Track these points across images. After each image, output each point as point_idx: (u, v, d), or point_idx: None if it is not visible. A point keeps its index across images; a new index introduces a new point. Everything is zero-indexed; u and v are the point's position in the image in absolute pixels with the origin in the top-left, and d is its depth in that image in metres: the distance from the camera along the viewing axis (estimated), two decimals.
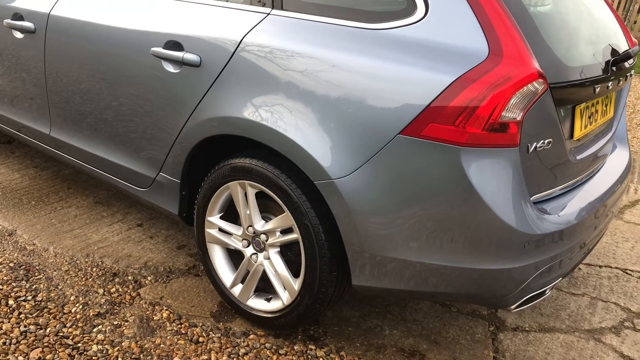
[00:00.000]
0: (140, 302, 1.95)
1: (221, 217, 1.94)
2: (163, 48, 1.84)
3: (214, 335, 1.83)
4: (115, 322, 1.84)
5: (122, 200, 2.67)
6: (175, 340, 1.79)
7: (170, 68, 1.83)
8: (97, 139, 2.21)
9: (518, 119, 1.39)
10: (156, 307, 1.93)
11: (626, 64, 1.87)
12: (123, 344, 1.75)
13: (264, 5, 1.71)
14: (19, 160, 3.01)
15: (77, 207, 2.57)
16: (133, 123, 2.02)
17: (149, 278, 2.10)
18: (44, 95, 2.36)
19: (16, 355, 1.64)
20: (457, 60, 1.39)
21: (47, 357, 1.65)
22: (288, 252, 1.82)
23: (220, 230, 1.94)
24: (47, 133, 2.44)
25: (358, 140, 1.49)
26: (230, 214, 1.93)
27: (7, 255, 2.13)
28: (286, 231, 1.76)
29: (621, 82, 1.88)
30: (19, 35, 2.34)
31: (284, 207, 1.69)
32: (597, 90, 1.67)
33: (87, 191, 2.74)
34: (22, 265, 2.08)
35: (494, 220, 1.44)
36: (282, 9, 1.68)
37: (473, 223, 1.45)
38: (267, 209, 1.83)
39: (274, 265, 1.81)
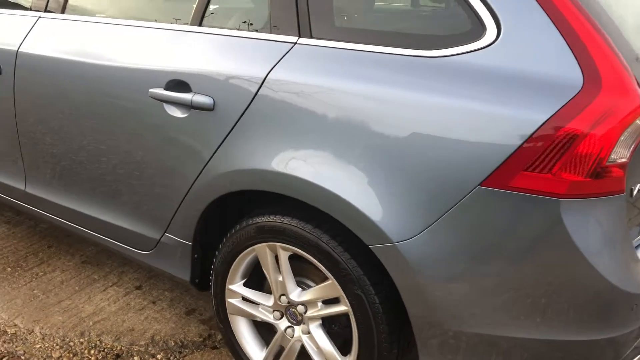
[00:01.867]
0: None
1: (245, 284, 1.67)
2: (165, 89, 1.57)
3: None
4: None
5: (113, 257, 2.37)
6: None
7: (175, 112, 1.56)
8: (85, 195, 1.92)
9: (626, 160, 1.17)
10: None
11: None
12: None
13: (288, 33, 1.45)
14: None
15: (62, 270, 2.27)
16: (131, 179, 1.74)
17: (158, 357, 1.82)
18: (15, 147, 2.06)
19: None
20: (546, 92, 1.16)
21: None
22: (332, 325, 1.56)
23: (245, 299, 1.67)
24: (21, 189, 2.13)
25: (426, 195, 1.25)
26: (255, 277, 1.67)
27: None
28: (330, 301, 1.50)
29: None
30: None
31: (328, 275, 1.43)
32: None
33: (71, 249, 2.44)
34: (3, 357, 1.77)
35: (598, 280, 1.21)
36: (310, 36, 1.42)
37: (574, 286, 1.22)
38: (302, 272, 1.58)
39: (316, 340, 1.55)
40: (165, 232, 1.77)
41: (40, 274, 2.23)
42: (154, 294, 2.15)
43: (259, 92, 1.43)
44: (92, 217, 1.93)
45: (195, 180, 1.60)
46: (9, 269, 2.25)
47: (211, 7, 1.61)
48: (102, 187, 1.84)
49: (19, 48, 1.92)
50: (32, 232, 2.57)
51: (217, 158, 1.54)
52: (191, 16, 1.63)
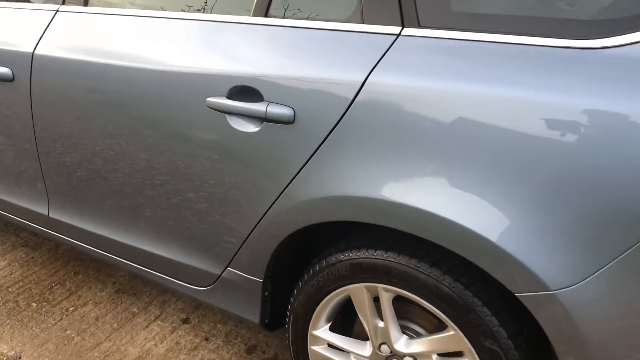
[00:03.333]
0: None
1: (330, 328, 1.42)
2: (227, 97, 1.29)
3: None
4: None
5: (149, 283, 2.12)
6: None
7: (242, 126, 1.29)
8: (124, 223, 1.65)
9: None
10: None
11: None
12: None
13: (387, 22, 1.16)
14: (0, 239, 2.42)
15: (95, 303, 2.01)
16: (184, 205, 1.47)
17: None
18: (34, 166, 1.79)
19: None
20: None
21: None
22: None
23: (332, 346, 1.42)
24: (44, 214, 1.86)
25: (598, 232, 0.98)
26: (341, 317, 1.42)
27: None
28: (450, 354, 1.24)
29: None
30: None
31: (450, 324, 1.18)
32: None
33: (101, 275, 2.18)
34: None
35: None
36: (418, 25, 1.14)
37: None
38: (405, 314, 1.32)
39: None
40: (227, 266, 1.51)
41: (71, 308, 1.98)
42: (205, 329, 1.89)
43: (357, 100, 1.15)
44: (135, 248, 1.67)
45: (269, 209, 1.33)
46: (34, 305, 1.99)
47: None
48: (148, 214, 1.57)
49: (34, 49, 1.63)
50: (54, 255, 2.31)
51: (298, 182, 1.26)
52: (254, 4, 1.33)
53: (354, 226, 1.28)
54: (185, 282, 1.65)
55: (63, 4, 1.65)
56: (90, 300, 2.04)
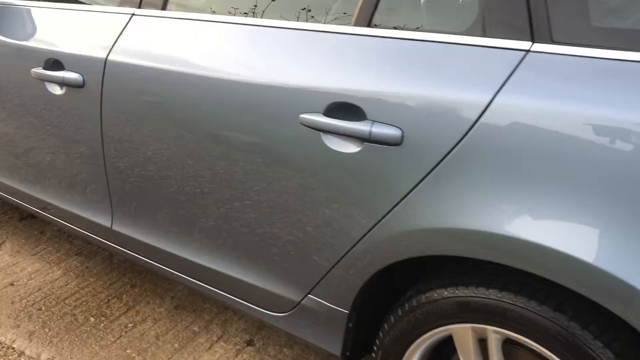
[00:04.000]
0: None
1: None
2: (324, 114, 1.19)
3: None
4: None
5: (208, 299, 2.03)
6: None
7: (339, 146, 1.19)
8: (198, 242, 1.56)
9: None
10: None
11: None
12: None
13: (515, 37, 1.04)
14: (53, 245, 2.38)
15: (154, 319, 1.93)
16: (265, 226, 1.38)
17: None
18: (99, 175, 1.71)
19: None
20: None
21: None
22: None
23: None
24: (106, 226, 1.79)
25: None
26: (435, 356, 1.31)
27: None
28: None
29: None
30: (57, 90, 1.68)
31: None
32: None
33: (158, 288, 2.11)
34: None
35: None
36: (551, 40, 1.02)
37: None
38: (512, 357, 1.20)
39: None
40: (308, 293, 1.41)
41: (130, 325, 1.90)
42: (270, 352, 1.80)
43: (480, 122, 1.04)
44: (208, 269, 1.58)
45: (363, 237, 1.23)
46: (92, 319, 1.93)
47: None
48: (225, 235, 1.48)
49: (108, 55, 1.56)
50: (109, 266, 2.25)
51: (401, 210, 1.16)
52: (356, 13, 1.23)
53: (442, 259, 1.18)
54: (258, 306, 1.56)
55: (139, 7, 1.57)
56: (149, 316, 1.97)
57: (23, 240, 2.42)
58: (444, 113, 1.08)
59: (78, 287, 2.12)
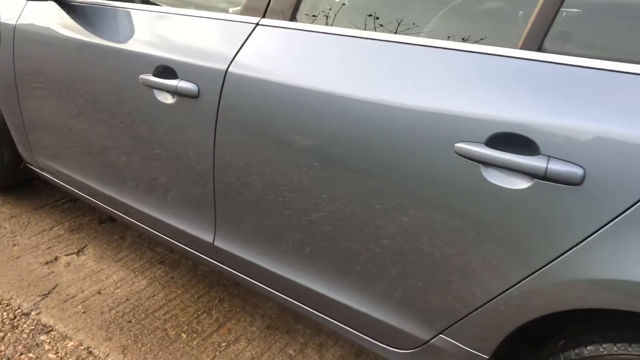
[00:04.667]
0: None
1: None
2: (486, 145, 1.09)
3: None
4: None
5: (300, 318, 1.97)
6: None
7: (502, 181, 1.11)
8: (315, 269, 1.49)
9: None
10: None
11: None
12: None
13: None
14: (135, 252, 2.35)
15: (248, 339, 1.87)
16: (400, 257, 1.29)
17: None
18: (206, 188, 1.65)
19: None
20: None
21: None
22: None
23: None
24: (208, 241, 1.73)
25: None
26: None
27: None
28: None
29: None
30: (168, 99, 1.62)
31: None
32: None
33: (246, 305, 2.05)
34: None
35: None
36: None
37: None
38: None
39: None
40: (440, 333, 1.32)
41: (223, 344, 1.85)
42: None
43: None
44: (322, 296, 1.50)
45: (520, 282, 1.13)
46: (184, 336, 1.88)
47: (564, 19, 1.11)
48: (353, 264, 1.40)
49: (228, 67, 1.49)
50: (194, 277, 2.20)
51: (572, 257, 1.06)
52: (524, 35, 1.13)
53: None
54: (373, 338, 1.48)
55: (264, 16, 1.50)
56: (241, 335, 1.91)
57: (105, 245, 2.39)
58: (636, 153, 0.97)
59: (166, 299, 2.07)
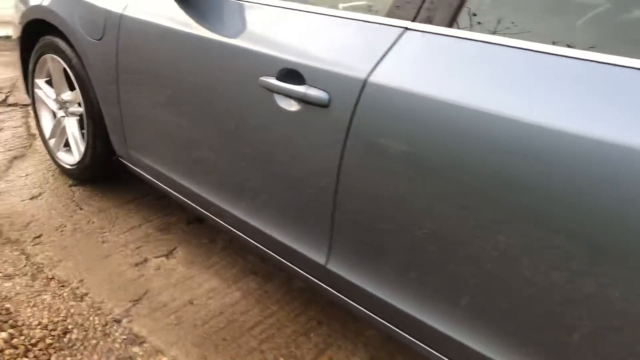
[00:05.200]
0: None
1: None
2: None
3: None
4: None
5: (405, 349, 1.80)
6: None
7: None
8: (455, 313, 1.31)
9: None
10: None
11: None
12: None
13: None
14: (227, 259, 2.25)
15: None
16: (565, 309, 1.09)
17: None
18: (324, 204, 1.50)
19: None
20: None
21: None
22: None
23: None
24: (320, 263, 1.58)
25: None
26: None
27: None
28: None
29: None
30: (291, 105, 1.47)
31: None
32: None
33: (347, 330, 1.91)
34: None
35: None
36: None
37: None
38: None
39: None
40: None
41: None
42: None
43: None
44: (459, 344, 1.32)
45: None
46: (281, 359, 1.74)
47: None
48: (522, 322, 1.21)
49: (369, 75, 1.33)
50: (289, 293, 2.06)
51: None
52: None
53: None
54: None
55: (414, 20, 1.33)
56: None
57: (195, 249, 2.29)
58: None
59: (261, 316, 1.94)
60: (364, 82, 1.34)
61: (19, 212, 2.41)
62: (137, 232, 2.37)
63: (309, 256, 1.65)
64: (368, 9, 1.55)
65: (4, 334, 1.73)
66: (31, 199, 2.53)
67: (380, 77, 1.32)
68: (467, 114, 1.16)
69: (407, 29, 1.33)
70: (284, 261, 1.76)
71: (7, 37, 5.24)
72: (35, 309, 1.86)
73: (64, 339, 1.75)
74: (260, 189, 1.70)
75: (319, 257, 1.62)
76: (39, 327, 1.78)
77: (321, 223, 1.56)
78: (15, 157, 2.91)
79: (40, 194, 2.57)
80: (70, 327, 1.80)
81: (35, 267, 2.08)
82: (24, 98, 3.68)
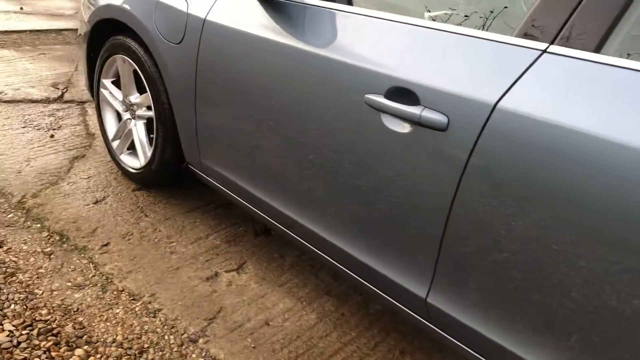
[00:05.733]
0: None
1: None
2: None
3: None
4: None
5: None
6: None
7: None
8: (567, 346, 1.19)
9: None
10: None
11: None
12: None
13: None
14: (298, 276, 2.18)
15: None
16: None
17: None
18: (430, 233, 1.40)
19: None
20: None
21: None
22: None
23: None
24: (420, 296, 1.48)
25: None
26: None
27: None
28: None
29: None
30: (402, 127, 1.38)
31: None
32: None
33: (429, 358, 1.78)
34: None
35: None
36: None
37: None
38: None
39: None
40: None
41: None
42: None
43: None
44: None
45: None
46: None
47: None
48: None
49: (499, 100, 1.22)
50: (366, 317, 1.98)
51: None
52: None
53: None
54: None
55: (552, 43, 1.22)
56: None
57: (265, 264, 2.21)
58: None
59: (340, 342, 1.85)
60: (493, 107, 1.24)
61: (84, 217, 2.36)
62: (205, 243, 2.30)
63: (402, 284, 1.55)
64: (466, 20, 1.45)
65: (79, 351, 1.67)
66: (95, 203, 2.48)
67: (513, 102, 1.21)
68: (614, 151, 1.05)
69: (545, 51, 1.22)
70: (375, 289, 1.67)
71: (59, 31, 5.24)
72: (108, 324, 1.80)
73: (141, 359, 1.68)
74: (353, 209, 1.61)
75: (417, 289, 1.52)
76: (114, 344, 1.72)
77: (426, 253, 1.46)
78: (76, 158, 2.87)
79: (104, 198, 2.52)
80: (145, 345, 1.73)
81: (104, 277, 2.02)
82: (81, 94, 3.66)
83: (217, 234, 2.38)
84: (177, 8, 2.08)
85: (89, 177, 2.69)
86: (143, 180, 2.58)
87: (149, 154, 2.47)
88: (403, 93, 1.40)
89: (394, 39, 1.48)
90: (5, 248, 2.10)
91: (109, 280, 2.01)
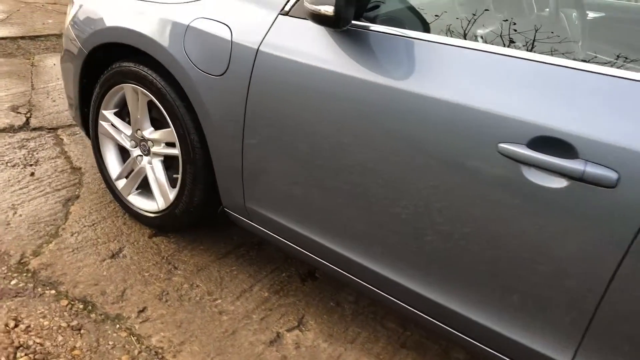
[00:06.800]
0: None
1: None
2: None
3: None
4: None
5: None
6: None
7: None
8: None
9: None
10: None
11: None
12: None
13: None
14: (365, 328, 2.02)
15: None
16: None
17: None
18: (584, 308, 1.27)
19: None
20: None
21: None
22: None
23: None
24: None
25: None
26: None
27: None
28: None
29: None
30: (551, 181, 1.24)
31: None
32: None
33: None
34: None
35: None
36: None
37: None
38: None
39: None
40: None
41: None
42: None
43: None
44: None
45: None
46: None
47: None
48: None
49: None
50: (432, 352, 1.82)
51: None
52: None
53: None
54: None
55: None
56: None
57: (325, 316, 2.02)
58: None
59: None
60: None
61: (105, 276, 2.07)
62: (253, 296, 2.07)
63: (539, 351, 1.42)
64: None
65: None
66: (112, 257, 2.19)
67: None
68: None
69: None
70: (478, 345, 1.53)
71: (2, 39, 4.72)
72: None
73: None
74: (454, 260, 1.45)
75: (558, 355, 1.39)
76: None
77: (574, 325, 1.33)
78: (69, 200, 2.53)
79: (120, 250, 2.23)
80: None
81: (153, 352, 1.76)
82: (50, 119, 3.28)
83: (261, 283, 2.15)
84: (217, 35, 1.83)
85: (93, 224, 2.38)
86: (162, 225, 2.31)
87: (172, 196, 2.20)
88: (552, 144, 1.25)
89: (531, 75, 1.32)
90: (23, 327, 1.80)
91: (161, 357, 1.75)
